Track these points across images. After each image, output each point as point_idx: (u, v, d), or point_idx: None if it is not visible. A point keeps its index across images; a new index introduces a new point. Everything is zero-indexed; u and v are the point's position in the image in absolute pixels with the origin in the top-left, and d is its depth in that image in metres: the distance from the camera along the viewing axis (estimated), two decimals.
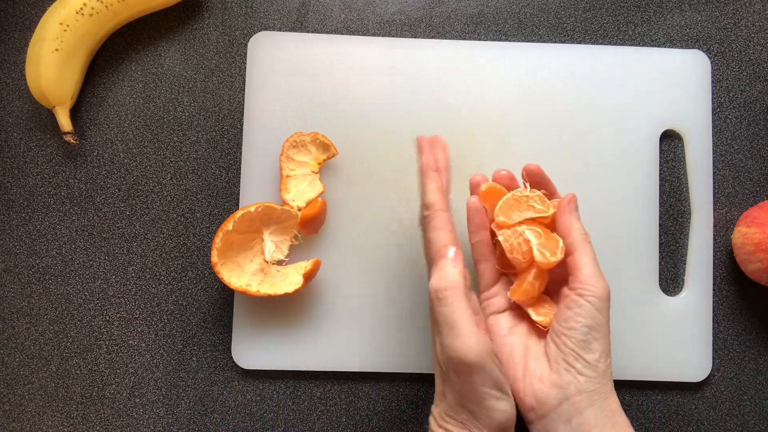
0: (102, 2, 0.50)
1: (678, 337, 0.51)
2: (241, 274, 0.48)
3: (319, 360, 0.50)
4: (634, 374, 0.50)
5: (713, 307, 0.52)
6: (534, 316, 0.43)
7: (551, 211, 0.43)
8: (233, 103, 0.53)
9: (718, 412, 0.51)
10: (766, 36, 0.54)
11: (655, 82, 0.53)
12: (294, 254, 0.50)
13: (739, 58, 0.54)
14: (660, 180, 0.52)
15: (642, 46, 0.54)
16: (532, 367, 0.41)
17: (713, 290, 0.52)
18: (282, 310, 0.50)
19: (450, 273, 0.38)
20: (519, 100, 0.52)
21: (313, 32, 0.54)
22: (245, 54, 0.53)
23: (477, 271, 0.45)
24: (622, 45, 0.54)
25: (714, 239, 0.52)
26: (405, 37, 0.54)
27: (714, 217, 0.52)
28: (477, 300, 0.41)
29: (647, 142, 0.52)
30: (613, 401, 0.40)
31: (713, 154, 0.53)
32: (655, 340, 0.50)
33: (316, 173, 0.50)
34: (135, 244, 0.52)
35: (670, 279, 0.52)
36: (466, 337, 0.36)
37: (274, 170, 0.51)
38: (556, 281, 0.44)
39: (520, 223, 0.43)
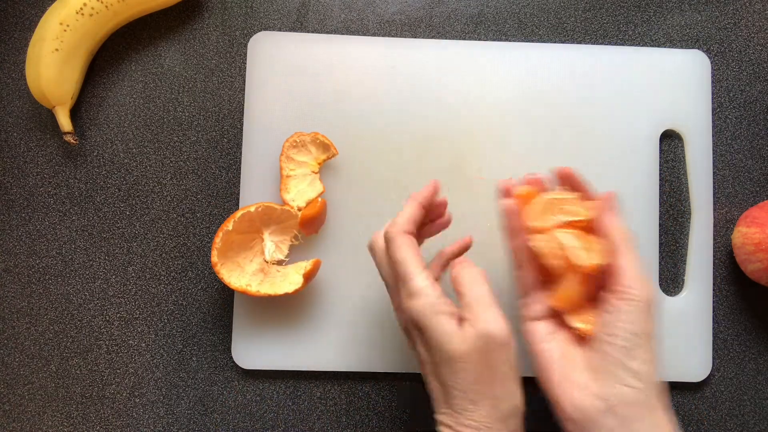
0: (102, 2, 0.50)
1: (678, 337, 0.51)
2: (241, 274, 0.48)
3: (319, 360, 0.50)
4: None
5: (713, 307, 0.52)
6: (575, 324, 0.40)
7: (589, 213, 0.41)
8: (233, 103, 0.53)
9: (718, 412, 0.51)
10: (766, 36, 0.54)
11: (655, 82, 0.53)
12: (294, 254, 0.50)
13: (739, 58, 0.54)
14: (660, 180, 0.52)
15: (642, 46, 0.54)
16: (574, 376, 0.38)
17: (713, 290, 0.52)
18: (282, 310, 0.50)
19: (398, 220, 0.40)
20: (519, 100, 0.52)
21: (313, 32, 0.54)
22: (245, 54, 0.53)
23: (516, 277, 0.43)
24: (622, 45, 0.54)
25: (714, 239, 0.52)
26: (405, 37, 0.54)
27: (714, 217, 0.52)
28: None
29: (647, 142, 0.52)
30: (662, 416, 0.37)
31: (713, 154, 0.53)
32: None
33: (316, 173, 0.50)
34: (135, 244, 0.52)
35: (670, 279, 0.52)
36: (492, 312, 0.36)
37: (274, 170, 0.51)
38: (593, 285, 0.41)
39: (556, 227, 0.41)
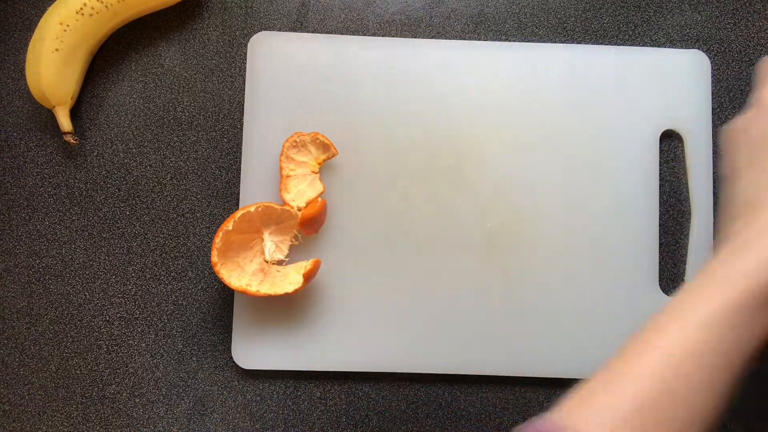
0: (102, 2, 0.50)
1: None
2: (241, 274, 0.48)
3: (319, 360, 0.50)
4: None
5: None
6: None
7: None
8: (233, 103, 0.53)
9: None
10: (766, 36, 0.54)
11: (655, 82, 0.53)
12: (294, 254, 0.50)
13: (739, 58, 0.54)
14: (660, 180, 0.52)
15: (642, 46, 0.54)
16: None
17: None
18: (282, 310, 0.50)
19: None
20: (519, 100, 0.52)
21: (313, 32, 0.54)
22: (245, 54, 0.53)
23: None
24: (622, 45, 0.54)
25: (714, 239, 0.52)
26: (405, 37, 0.54)
27: (714, 217, 0.52)
28: None
29: (647, 142, 0.52)
30: None
31: (713, 154, 0.53)
32: None
33: (316, 173, 0.50)
34: (135, 244, 0.52)
35: (670, 279, 0.52)
36: None
37: (274, 170, 0.51)
38: None
39: None
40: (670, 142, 0.53)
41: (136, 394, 0.51)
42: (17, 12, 0.53)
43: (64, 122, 0.51)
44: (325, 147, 0.50)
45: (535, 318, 0.50)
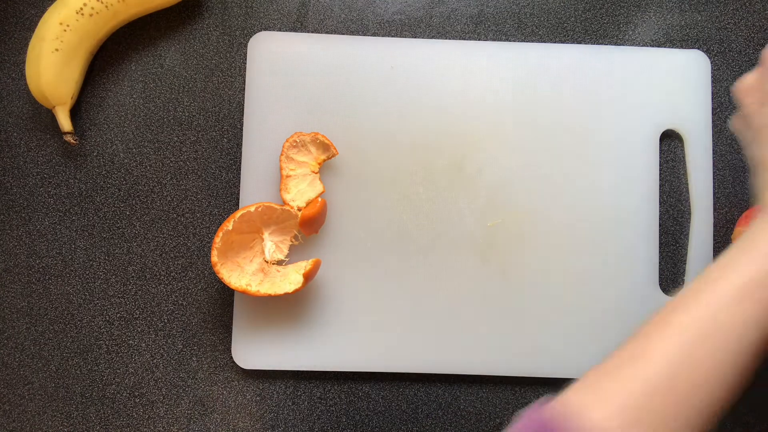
0: (102, 2, 0.50)
1: None
2: (241, 274, 0.48)
3: (319, 360, 0.50)
4: None
5: None
6: None
7: None
8: (233, 103, 0.53)
9: None
10: (766, 36, 0.54)
11: (655, 82, 0.53)
12: (294, 254, 0.50)
13: (739, 58, 0.54)
14: (660, 180, 0.52)
15: (642, 46, 0.54)
16: None
17: None
18: (282, 310, 0.50)
19: None
20: (519, 100, 0.52)
21: (313, 32, 0.54)
22: (245, 54, 0.53)
23: None
24: (622, 45, 0.54)
25: (714, 239, 0.52)
26: (405, 37, 0.54)
27: (714, 217, 0.52)
28: None
29: (647, 142, 0.52)
30: None
31: (713, 154, 0.53)
32: None
33: (316, 173, 0.50)
34: (135, 244, 0.52)
35: (670, 279, 0.52)
36: None
37: (274, 170, 0.51)
38: None
39: None
40: (670, 142, 0.53)
41: (136, 394, 0.51)
42: (17, 12, 0.53)
43: (64, 122, 0.51)
44: (325, 147, 0.50)
45: (534, 318, 0.50)
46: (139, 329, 0.51)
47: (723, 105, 0.54)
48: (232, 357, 0.50)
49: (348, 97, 0.52)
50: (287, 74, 0.52)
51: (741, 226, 0.50)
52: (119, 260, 0.52)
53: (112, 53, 0.53)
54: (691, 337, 0.31)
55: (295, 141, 0.50)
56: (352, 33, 0.54)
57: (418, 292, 0.51)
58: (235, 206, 0.52)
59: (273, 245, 0.49)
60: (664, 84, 0.53)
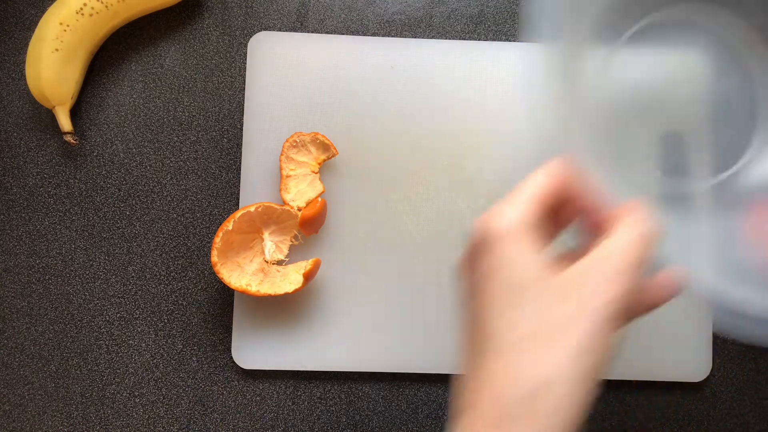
0: (102, 2, 0.50)
1: (678, 337, 0.51)
2: (241, 274, 0.48)
3: (319, 360, 0.50)
4: (634, 374, 0.50)
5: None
6: None
7: None
8: (233, 103, 0.53)
9: (718, 412, 0.51)
10: None
11: (654, 82, 0.52)
12: (294, 254, 0.50)
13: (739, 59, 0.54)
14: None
15: (642, 45, 0.54)
16: None
17: None
18: (282, 310, 0.50)
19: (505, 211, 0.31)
20: (519, 100, 0.52)
21: (313, 32, 0.54)
22: (245, 54, 0.53)
23: None
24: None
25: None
26: (405, 37, 0.54)
27: (713, 219, 0.52)
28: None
29: (647, 142, 0.52)
30: None
31: (713, 154, 0.53)
32: (655, 340, 0.50)
33: (316, 173, 0.50)
34: (135, 244, 0.52)
35: None
36: None
37: (274, 170, 0.51)
38: None
39: None
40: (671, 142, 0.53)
41: (136, 394, 0.51)
42: (17, 12, 0.53)
43: (64, 122, 0.51)
44: (325, 147, 0.50)
45: None
46: (139, 329, 0.51)
47: (723, 105, 0.54)
48: (232, 357, 0.50)
49: (348, 97, 0.52)
50: (287, 74, 0.52)
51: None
52: (119, 260, 0.52)
53: (112, 53, 0.53)
54: None
55: (295, 141, 0.50)
56: (352, 33, 0.54)
57: (419, 292, 0.51)
58: (235, 206, 0.52)
59: (273, 245, 0.49)
60: (663, 84, 0.52)
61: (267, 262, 0.49)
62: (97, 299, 0.51)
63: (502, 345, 0.30)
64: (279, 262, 0.50)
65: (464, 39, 0.54)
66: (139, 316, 0.51)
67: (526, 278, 0.30)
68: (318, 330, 0.50)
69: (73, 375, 0.51)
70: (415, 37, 0.54)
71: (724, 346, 0.52)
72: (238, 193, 0.51)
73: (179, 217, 0.52)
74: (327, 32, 0.54)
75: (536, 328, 0.29)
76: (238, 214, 0.47)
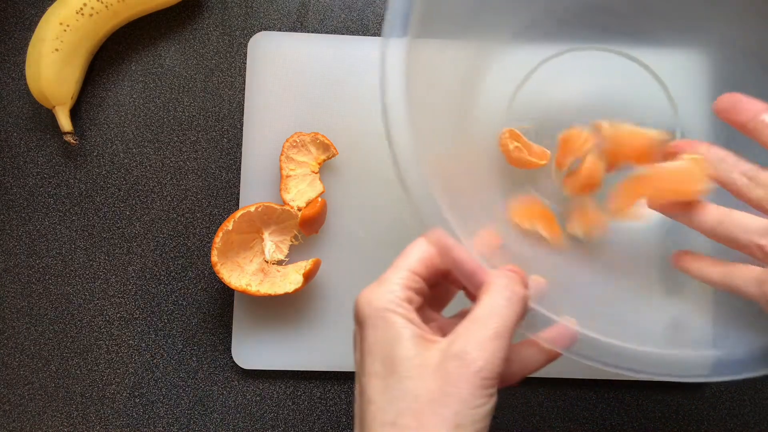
0: (102, 2, 0.50)
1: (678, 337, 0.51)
2: (241, 274, 0.48)
3: (319, 360, 0.50)
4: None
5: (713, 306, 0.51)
6: None
7: None
8: (233, 103, 0.53)
9: (718, 412, 0.51)
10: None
11: (654, 81, 0.52)
12: (294, 254, 0.50)
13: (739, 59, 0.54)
14: None
15: (642, 45, 0.54)
16: None
17: (713, 289, 0.52)
18: (282, 310, 0.50)
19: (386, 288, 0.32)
20: (520, 99, 0.52)
21: (313, 32, 0.54)
22: (245, 54, 0.53)
23: None
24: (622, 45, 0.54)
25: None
26: None
27: None
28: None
29: None
30: None
31: None
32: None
33: (316, 173, 0.50)
34: (135, 244, 0.52)
35: (670, 279, 0.52)
36: None
37: (274, 170, 0.51)
38: None
39: None
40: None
41: (136, 394, 0.51)
42: (17, 12, 0.53)
43: (64, 122, 0.51)
44: (325, 147, 0.50)
45: None
46: (139, 329, 0.51)
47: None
48: (232, 357, 0.50)
49: (348, 97, 0.52)
50: (287, 74, 0.52)
51: None
52: (119, 260, 0.52)
53: (112, 53, 0.53)
54: None
55: (295, 141, 0.50)
56: (352, 33, 0.54)
57: None
58: (235, 206, 0.52)
59: (273, 245, 0.49)
60: (663, 84, 0.52)
61: (267, 262, 0.49)
62: (97, 299, 0.51)
63: (379, 423, 0.30)
64: (279, 262, 0.50)
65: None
66: (139, 316, 0.51)
67: (400, 355, 0.30)
68: (318, 330, 0.50)
69: (73, 375, 0.51)
70: None
71: None
72: (238, 193, 0.51)
73: (179, 217, 0.52)
74: (327, 32, 0.54)
75: (410, 405, 0.29)
76: (238, 214, 0.47)
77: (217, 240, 0.46)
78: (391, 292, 0.32)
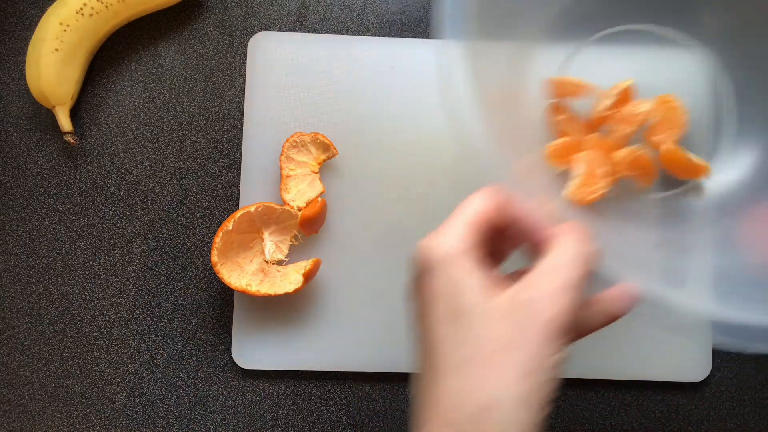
0: (102, 2, 0.50)
1: (678, 337, 0.51)
2: (241, 274, 0.48)
3: (319, 360, 0.50)
4: (634, 374, 0.50)
5: None
6: None
7: None
8: (233, 103, 0.53)
9: (718, 412, 0.51)
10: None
11: (654, 82, 0.52)
12: (294, 254, 0.50)
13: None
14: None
15: (642, 45, 0.54)
16: None
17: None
18: (282, 310, 0.50)
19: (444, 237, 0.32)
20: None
21: (313, 32, 0.54)
22: (245, 54, 0.53)
23: None
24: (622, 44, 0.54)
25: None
26: (405, 37, 0.54)
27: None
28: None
29: None
30: None
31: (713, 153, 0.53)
32: (655, 340, 0.50)
33: (316, 173, 0.50)
34: (135, 244, 0.52)
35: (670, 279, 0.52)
36: None
37: (274, 170, 0.51)
38: None
39: None
40: None
41: (136, 394, 0.51)
42: (17, 12, 0.53)
43: (64, 122, 0.51)
44: (325, 147, 0.50)
45: None
46: (139, 329, 0.51)
47: (723, 105, 0.54)
48: (232, 357, 0.50)
49: (348, 97, 0.52)
50: (287, 74, 0.52)
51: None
52: (119, 260, 0.52)
53: (112, 53, 0.53)
54: None
55: (295, 141, 0.50)
56: (352, 33, 0.54)
57: None
58: (235, 206, 0.52)
59: (273, 245, 0.49)
60: (663, 84, 0.52)
61: (267, 262, 0.49)
62: (97, 299, 0.51)
63: (448, 367, 0.30)
64: (279, 262, 0.50)
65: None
66: (138, 316, 0.51)
67: (467, 301, 0.30)
68: (318, 330, 0.50)
69: (73, 375, 0.51)
70: (415, 37, 0.54)
71: None
72: (238, 193, 0.51)
73: (179, 217, 0.52)
74: (327, 32, 0.54)
75: (479, 351, 0.29)
76: (238, 214, 0.47)
77: (217, 240, 0.46)
78: (456, 240, 0.32)
